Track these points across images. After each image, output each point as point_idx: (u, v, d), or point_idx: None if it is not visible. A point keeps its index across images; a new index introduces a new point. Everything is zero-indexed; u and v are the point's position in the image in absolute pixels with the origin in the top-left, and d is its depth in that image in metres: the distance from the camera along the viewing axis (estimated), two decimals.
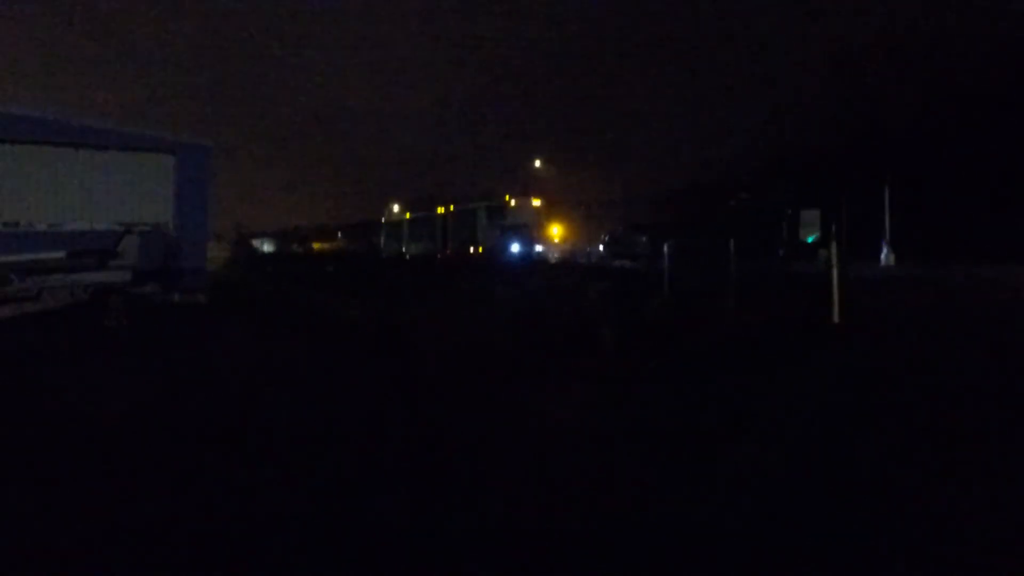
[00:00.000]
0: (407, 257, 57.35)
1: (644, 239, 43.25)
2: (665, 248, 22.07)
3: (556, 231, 51.61)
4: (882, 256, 35.31)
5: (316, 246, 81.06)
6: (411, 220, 65.85)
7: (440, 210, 59.44)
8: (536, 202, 51.58)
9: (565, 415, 9.39)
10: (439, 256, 53.19)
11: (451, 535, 5.60)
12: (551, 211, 51.87)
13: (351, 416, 9.41)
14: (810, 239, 34.64)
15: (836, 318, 15.40)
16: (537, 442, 8.08)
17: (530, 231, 49.01)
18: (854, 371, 11.31)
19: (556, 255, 47.68)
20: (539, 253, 47.68)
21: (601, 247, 48.08)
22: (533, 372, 12.08)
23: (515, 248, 47.64)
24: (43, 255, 16.74)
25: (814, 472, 6.93)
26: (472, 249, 52.42)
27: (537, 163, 65.50)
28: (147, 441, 8.30)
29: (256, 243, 77.40)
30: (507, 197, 52.09)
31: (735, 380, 10.65)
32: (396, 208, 76.62)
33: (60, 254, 16.30)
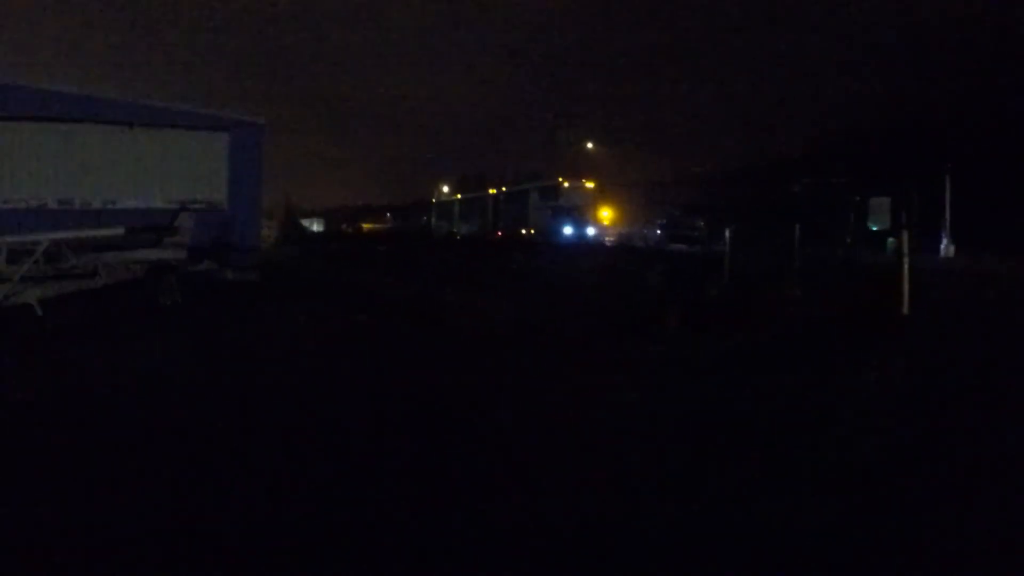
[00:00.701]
0: (458, 237, 57.19)
1: (701, 222, 42.46)
2: (727, 233, 21.46)
3: (608, 214, 51.05)
4: (942, 248, 34.27)
5: (366, 226, 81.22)
6: (462, 201, 65.73)
7: (491, 191, 59.18)
8: (589, 184, 51.00)
9: (632, 404, 8.91)
10: (490, 237, 52.87)
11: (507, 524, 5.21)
12: (604, 193, 51.27)
13: (406, 401, 9.01)
14: (874, 227, 33.61)
15: (905, 310, 14.75)
16: (602, 436, 7.62)
17: (582, 213, 48.56)
18: (928, 367, 10.71)
19: (610, 238, 47.07)
20: (592, 235, 47.18)
21: (657, 230, 47.34)
22: (596, 359, 11.62)
23: (567, 230, 47.23)
24: (99, 232, 16.54)
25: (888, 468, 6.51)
26: (523, 231, 52.10)
27: (589, 145, 64.72)
28: (204, 414, 8.07)
29: (306, 222, 77.66)
30: (560, 179, 51.60)
31: (805, 375, 10.06)
32: (446, 189, 76.57)
33: (116, 231, 16.09)
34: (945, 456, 6.91)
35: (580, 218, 48.25)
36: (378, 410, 8.65)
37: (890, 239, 29.29)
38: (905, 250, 15.10)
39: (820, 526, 5.37)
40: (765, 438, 7.37)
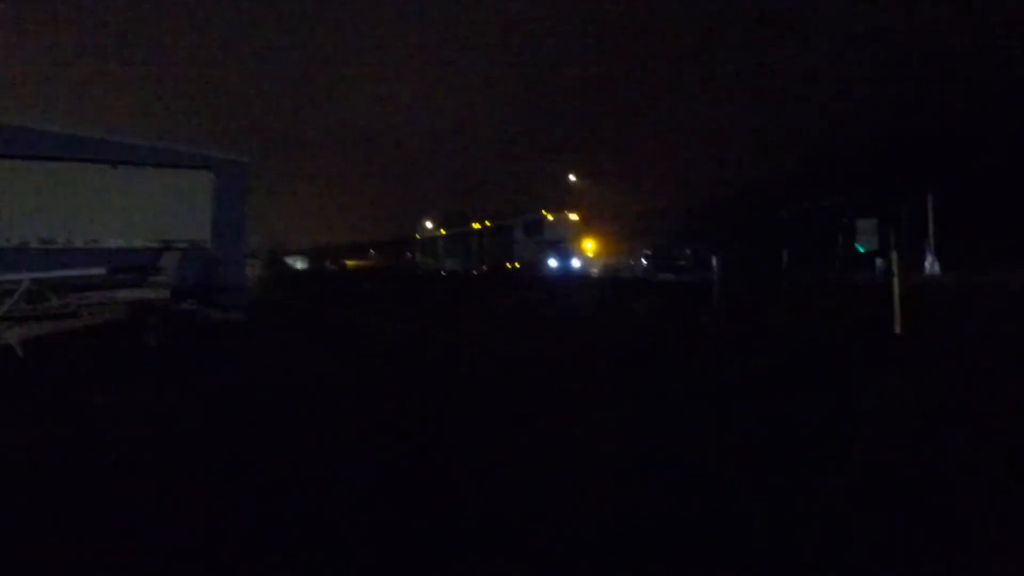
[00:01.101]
0: (443, 273, 56.99)
1: (688, 251, 42.59)
2: (714, 260, 21.46)
3: (593, 246, 51.02)
4: (926, 264, 34.39)
5: (350, 263, 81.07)
6: (446, 236, 65.59)
7: (476, 226, 59.09)
8: (573, 217, 50.97)
9: (634, 436, 8.70)
10: (476, 272, 52.73)
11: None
12: (588, 226, 51.24)
13: (402, 445, 8.76)
14: (861, 249, 33.77)
15: (898, 329, 14.69)
16: (607, 471, 7.40)
17: (567, 246, 48.54)
18: (925, 387, 10.58)
19: (596, 270, 47.04)
20: (577, 268, 47.13)
21: (644, 261, 47.39)
22: (595, 393, 11.40)
23: (552, 263, 47.21)
24: (81, 272, 16.28)
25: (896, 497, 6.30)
26: (508, 265, 51.99)
27: (572, 177, 64.80)
28: (195, 462, 7.74)
29: (289, 260, 77.45)
30: (544, 212, 51.57)
31: (806, 400, 9.92)
32: (429, 225, 76.52)
33: (99, 271, 15.84)
34: (954, 477, 6.77)
35: (565, 251, 48.22)
36: (371, 452, 8.40)
37: (878, 259, 29.41)
38: (895, 270, 15.07)
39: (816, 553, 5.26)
40: (773, 465, 7.19)
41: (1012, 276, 25.94)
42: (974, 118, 43.25)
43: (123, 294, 16.89)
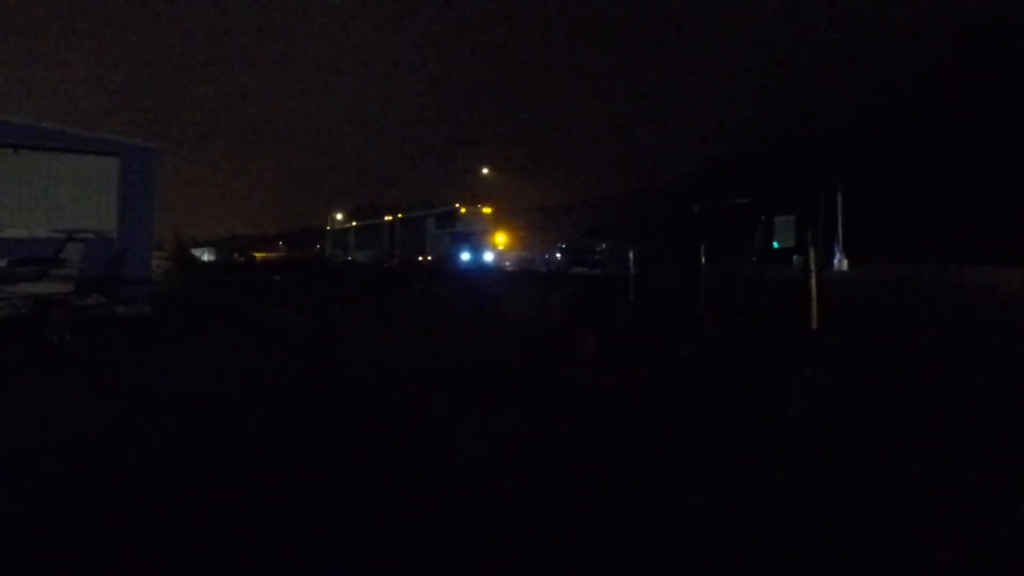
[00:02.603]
0: (355, 266, 56.51)
1: (603, 245, 42.85)
2: (631, 254, 21.54)
3: (507, 239, 51.08)
4: (835, 260, 35.45)
5: (259, 255, 79.70)
6: (358, 228, 64.93)
7: (388, 218, 58.65)
8: (487, 210, 50.97)
9: (559, 434, 8.63)
10: (388, 265, 52.36)
11: None
12: (502, 218, 51.30)
13: (322, 448, 8.51)
14: (777, 245, 34.52)
15: (814, 324, 14.99)
16: (530, 467, 7.31)
17: (480, 239, 48.49)
18: (841, 381, 10.85)
19: (509, 263, 47.07)
20: (490, 261, 47.09)
21: (558, 254, 47.54)
22: (518, 389, 11.31)
23: (465, 256, 47.09)
24: None
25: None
26: (420, 257, 51.75)
27: (485, 170, 64.77)
28: (96, 471, 7.38)
29: (196, 252, 75.62)
30: (456, 205, 51.44)
31: (726, 394, 10.01)
32: (340, 216, 75.66)
33: None
34: (872, 465, 6.98)
35: (478, 244, 48.19)
36: (290, 453, 8.13)
37: (795, 256, 30.14)
38: (812, 266, 15.38)
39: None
40: (697, 460, 7.21)
41: (912, 271, 26.98)
42: (880, 122, 44.59)
43: (24, 288, 16.17)
